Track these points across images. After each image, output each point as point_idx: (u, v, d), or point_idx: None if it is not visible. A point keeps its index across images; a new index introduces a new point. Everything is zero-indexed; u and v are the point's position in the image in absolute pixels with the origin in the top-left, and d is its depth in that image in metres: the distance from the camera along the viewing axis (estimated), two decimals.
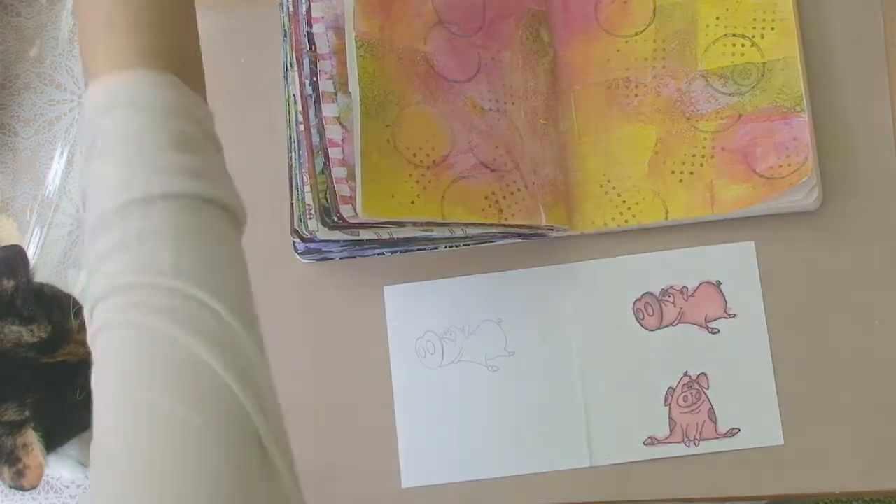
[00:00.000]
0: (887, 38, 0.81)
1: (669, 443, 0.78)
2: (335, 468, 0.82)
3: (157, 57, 0.56)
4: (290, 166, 0.82)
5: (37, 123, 0.92)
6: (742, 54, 0.80)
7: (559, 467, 0.79)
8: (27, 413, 0.74)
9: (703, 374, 0.78)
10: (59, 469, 0.84)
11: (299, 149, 0.80)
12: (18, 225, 0.90)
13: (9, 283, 0.76)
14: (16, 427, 0.75)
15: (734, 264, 0.79)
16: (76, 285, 0.87)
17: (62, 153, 0.91)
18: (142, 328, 0.51)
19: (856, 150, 0.80)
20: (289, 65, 0.81)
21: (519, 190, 0.80)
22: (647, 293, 0.80)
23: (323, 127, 0.78)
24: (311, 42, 0.79)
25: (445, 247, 0.83)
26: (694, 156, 0.80)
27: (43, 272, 0.86)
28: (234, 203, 0.57)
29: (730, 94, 0.80)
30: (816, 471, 0.77)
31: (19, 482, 0.75)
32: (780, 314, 0.79)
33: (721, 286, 0.79)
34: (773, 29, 0.80)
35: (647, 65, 0.82)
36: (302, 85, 0.79)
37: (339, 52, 0.79)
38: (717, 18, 0.81)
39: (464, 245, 0.83)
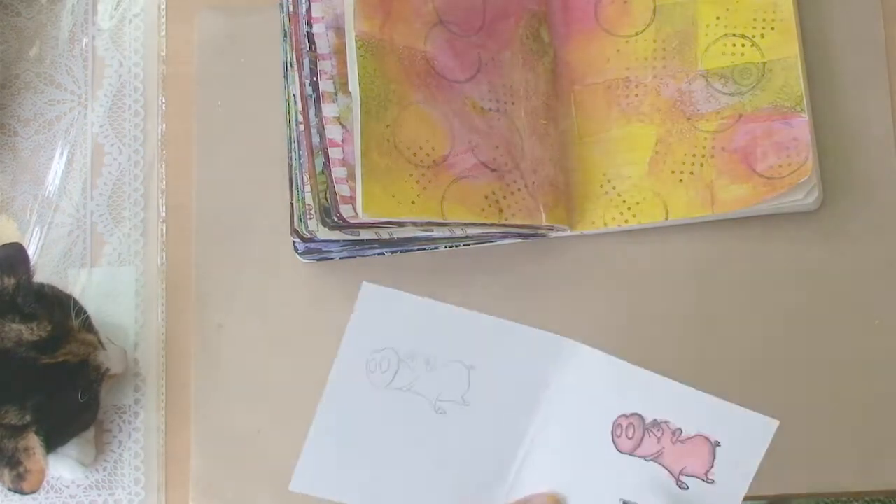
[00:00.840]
0: (887, 38, 0.81)
1: None
2: None
3: None
4: (290, 166, 0.82)
5: (37, 123, 0.92)
6: (742, 54, 0.80)
7: None
8: (28, 417, 0.74)
9: None
10: (60, 469, 0.84)
11: (299, 149, 0.80)
12: (18, 225, 0.90)
13: (9, 281, 0.76)
14: (17, 430, 0.74)
15: (744, 433, 0.67)
16: (76, 285, 0.87)
17: (62, 153, 0.91)
18: None
19: (856, 150, 0.80)
20: (289, 65, 0.81)
21: (519, 190, 0.80)
22: (637, 414, 0.68)
23: (323, 127, 0.78)
24: (311, 42, 0.79)
25: (445, 247, 0.83)
26: (694, 156, 0.80)
27: (43, 272, 0.86)
28: None
29: (730, 94, 0.80)
30: (816, 471, 0.77)
31: (19, 485, 0.75)
32: (779, 314, 0.79)
33: (717, 448, 0.67)
34: (773, 29, 0.80)
35: (647, 65, 0.82)
36: (302, 85, 0.79)
37: (339, 52, 0.79)
38: (718, 18, 0.81)
39: (464, 245, 0.83)
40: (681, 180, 0.80)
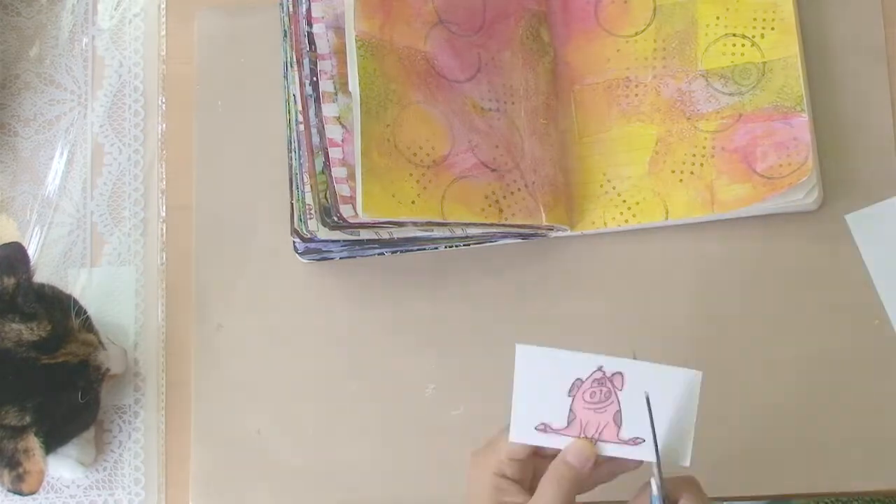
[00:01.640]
0: (887, 39, 0.81)
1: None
2: (337, 468, 0.82)
3: None
4: (290, 166, 0.82)
5: (37, 123, 0.92)
6: (742, 54, 0.80)
7: None
8: (28, 418, 0.74)
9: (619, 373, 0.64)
10: (60, 469, 0.84)
11: (299, 149, 0.80)
12: (18, 225, 0.90)
13: (9, 281, 0.76)
14: (17, 431, 0.74)
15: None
16: (76, 285, 0.87)
17: (62, 153, 0.91)
18: None
19: (856, 150, 0.80)
20: (289, 65, 0.81)
21: (519, 189, 0.80)
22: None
23: (323, 127, 0.78)
24: (311, 42, 0.79)
25: (445, 247, 0.83)
26: (694, 155, 0.80)
27: (43, 272, 0.86)
28: None
29: (730, 94, 0.80)
30: (816, 471, 0.77)
31: (19, 486, 0.75)
32: (779, 314, 0.79)
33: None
34: (773, 29, 0.80)
35: (647, 64, 0.82)
36: (302, 85, 0.79)
37: (339, 52, 0.79)
38: (718, 18, 0.81)
39: (464, 245, 0.83)
40: (681, 180, 0.80)
